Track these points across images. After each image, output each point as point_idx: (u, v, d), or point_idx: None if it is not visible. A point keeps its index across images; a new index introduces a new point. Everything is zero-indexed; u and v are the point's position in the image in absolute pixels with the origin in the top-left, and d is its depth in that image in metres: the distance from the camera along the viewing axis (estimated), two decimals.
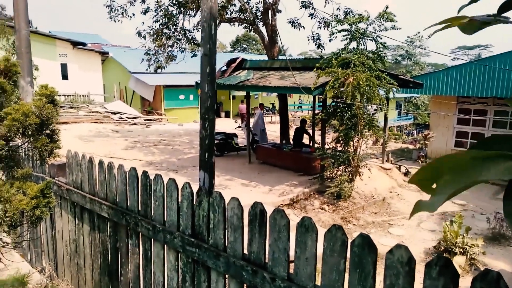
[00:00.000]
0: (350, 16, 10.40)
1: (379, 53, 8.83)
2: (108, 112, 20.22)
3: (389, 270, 1.46)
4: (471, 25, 0.85)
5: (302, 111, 29.59)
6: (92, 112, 19.78)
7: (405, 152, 17.27)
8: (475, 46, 54.26)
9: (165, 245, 2.53)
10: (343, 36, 8.75)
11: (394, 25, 8.53)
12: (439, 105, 14.43)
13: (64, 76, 22.93)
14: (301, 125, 12.17)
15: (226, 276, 2.16)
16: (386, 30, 8.48)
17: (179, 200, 2.42)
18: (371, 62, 8.38)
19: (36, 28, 22.92)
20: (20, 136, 2.38)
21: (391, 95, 9.92)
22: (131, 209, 2.80)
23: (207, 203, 2.23)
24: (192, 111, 24.28)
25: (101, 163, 3.06)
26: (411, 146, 19.48)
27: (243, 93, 22.94)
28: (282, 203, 8.95)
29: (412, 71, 43.15)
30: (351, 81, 8.10)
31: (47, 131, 2.45)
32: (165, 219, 2.54)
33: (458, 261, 6.75)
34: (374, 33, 8.42)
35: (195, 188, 2.29)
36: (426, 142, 14.06)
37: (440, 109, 14.40)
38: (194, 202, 2.33)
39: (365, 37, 8.49)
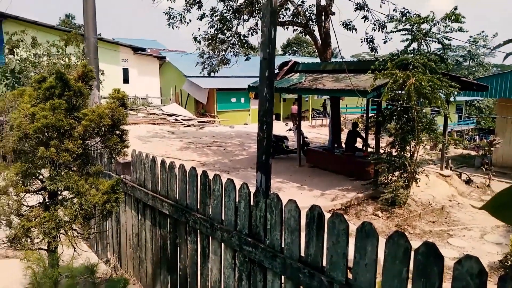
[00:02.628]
0: (408, 16, 9.98)
1: (442, 54, 8.38)
2: (165, 114, 21.16)
3: (457, 282, 1.40)
4: None
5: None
6: (150, 114, 20.82)
7: (466, 159, 16.22)
8: None
9: (222, 243, 2.62)
10: (402, 35, 8.41)
11: (461, 27, 8.06)
12: (507, 108, 13.38)
13: (126, 80, 24.36)
14: (353, 128, 11.90)
15: (282, 277, 2.19)
16: (451, 32, 8.02)
17: (237, 200, 2.49)
18: (433, 63, 7.98)
19: (100, 34, 24.62)
20: (94, 136, 2.59)
21: (451, 98, 9.39)
22: (190, 207, 2.93)
23: (264, 204, 2.27)
24: (243, 114, 24.69)
25: (163, 162, 3.23)
26: (473, 153, 18.23)
27: (294, 96, 22.91)
28: (333, 208, 8.81)
29: (475, 72, 40.42)
30: (413, 82, 7.76)
31: (117, 132, 2.65)
32: (223, 218, 2.62)
33: None
34: (438, 34, 8.00)
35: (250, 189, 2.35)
36: (492, 148, 13.09)
37: (507, 113, 13.35)
38: (251, 203, 2.38)
39: (427, 38, 8.10)
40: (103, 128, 2.50)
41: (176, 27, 12.70)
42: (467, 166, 14.72)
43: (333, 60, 12.09)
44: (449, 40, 8.51)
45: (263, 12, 2.78)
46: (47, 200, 2.52)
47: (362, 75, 9.17)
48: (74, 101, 2.57)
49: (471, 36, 40.01)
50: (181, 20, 12.43)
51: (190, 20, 12.71)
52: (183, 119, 21.06)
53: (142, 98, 24.18)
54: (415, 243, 7.08)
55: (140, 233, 3.62)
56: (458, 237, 8.26)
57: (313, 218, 1.97)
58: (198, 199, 2.84)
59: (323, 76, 10.23)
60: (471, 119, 33.29)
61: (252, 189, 2.45)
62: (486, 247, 7.73)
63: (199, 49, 13.00)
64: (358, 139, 11.77)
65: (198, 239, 2.88)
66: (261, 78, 3.01)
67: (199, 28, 13.03)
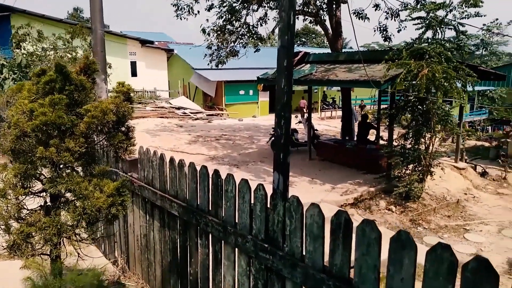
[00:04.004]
0: (426, 3, 9.58)
1: (458, 42, 8.03)
2: (173, 107, 21.02)
3: None
4: None
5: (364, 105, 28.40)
6: (158, 107, 20.69)
7: (480, 151, 15.84)
8: None
9: (236, 249, 2.43)
10: (416, 24, 8.07)
11: (478, 12, 7.68)
12: None
13: (133, 73, 24.24)
14: (363, 120, 11.61)
15: None
16: (468, 18, 7.66)
17: (252, 202, 2.29)
18: (449, 52, 7.64)
19: (108, 27, 24.48)
20: (98, 133, 2.41)
21: (469, 88, 9.04)
22: (201, 209, 2.74)
23: (282, 208, 2.07)
24: (251, 107, 24.44)
25: (172, 160, 3.04)
26: (486, 144, 17.80)
27: (303, 88, 22.58)
28: (345, 202, 8.60)
29: (488, 61, 39.45)
30: (426, 73, 7.45)
31: (123, 128, 2.46)
32: (237, 221, 2.43)
33: None
34: (454, 20, 7.65)
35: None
36: (508, 140, 12.70)
37: None
38: (268, 206, 2.19)
39: (443, 26, 7.75)
40: (107, 125, 2.31)
41: (184, 18, 12.46)
42: (481, 158, 14.35)
43: (344, 50, 11.77)
44: (463, 26, 8.14)
45: None
46: (48, 203, 2.35)
47: (376, 65, 8.86)
48: (76, 96, 2.38)
49: (484, 24, 38.99)
50: (189, 11, 12.19)
51: (199, 11, 12.46)
52: (191, 112, 20.91)
53: (150, 91, 24.06)
54: (431, 239, 6.79)
55: (149, 234, 3.46)
56: (475, 232, 8.00)
57: (339, 225, 1.76)
58: (210, 200, 2.65)
59: (335, 67, 9.93)
60: (484, 109, 32.57)
61: (267, 186, 2.25)
62: (505, 243, 7.47)
63: (208, 40, 12.76)
64: (371, 131, 11.49)
65: (210, 243, 2.70)
66: (279, 68, 2.79)
67: (208, 20, 12.78)
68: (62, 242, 2.32)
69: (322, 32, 13.61)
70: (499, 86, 14.37)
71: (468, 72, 7.91)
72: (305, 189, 9.04)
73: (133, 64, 24.35)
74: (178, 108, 21.02)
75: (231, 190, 2.43)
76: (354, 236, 1.72)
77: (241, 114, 23.08)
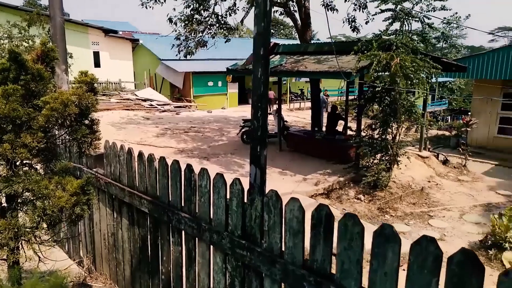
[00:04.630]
0: None
1: (424, 35, 8.23)
2: (139, 99, 20.40)
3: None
4: None
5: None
6: (124, 99, 20.01)
7: (441, 140, 16.48)
8: None
9: (211, 246, 2.33)
10: (386, 17, 8.19)
11: (444, 5, 7.89)
12: (482, 89, 13.56)
13: (97, 64, 23.27)
14: (332, 111, 11.73)
15: (283, 285, 1.93)
16: (434, 11, 7.86)
17: (228, 197, 2.20)
18: (415, 43, 7.82)
19: (68, 15, 23.30)
20: (59, 126, 2.21)
21: (433, 79, 9.32)
22: (173, 205, 2.61)
23: (260, 203, 1.99)
24: (220, 98, 24.16)
25: (140, 155, 2.88)
26: (447, 133, 18.56)
27: (272, 79, 22.56)
28: (316, 193, 8.69)
29: (448, 54, 41.03)
30: (397, 62, 7.57)
31: (86, 121, 2.28)
32: (212, 218, 2.33)
33: (508, 256, 6.30)
34: (421, 12, 7.82)
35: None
36: (468, 129, 13.27)
37: (483, 93, 13.53)
38: (245, 201, 2.10)
39: (410, 18, 7.91)
40: (68, 118, 2.12)
41: (150, 7, 12.01)
42: (443, 146, 14.94)
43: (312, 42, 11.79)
44: (430, 19, 8.37)
45: None
46: (3, 204, 2.15)
47: (345, 56, 8.93)
48: (33, 87, 2.17)
49: (444, 18, 40.47)
50: None
51: (165, 0, 12.04)
52: (158, 104, 20.39)
53: (115, 83, 23.20)
54: (398, 226, 6.95)
55: (117, 232, 3.28)
56: (438, 218, 8.31)
57: (320, 219, 1.70)
58: (182, 196, 2.53)
59: (304, 58, 9.92)
60: (444, 100, 33.98)
61: (241, 179, 2.15)
62: (466, 227, 7.80)
63: (175, 30, 12.38)
64: (339, 122, 11.64)
65: (183, 240, 2.58)
66: (255, 56, 2.67)
67: (174, 9, 12.38)
68: (21, 245, 2.13)
69: (290, 24, 13.57)
70: (464, 77, 15.07)
71: (433, 64, 8.14)
72: (276, 180, 9.03)
73: (96, 55, 23.37)
74: (145, 100, 20.43)
75: (205, 185, 2.32)
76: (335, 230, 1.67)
77: (210, 106, 22.77)
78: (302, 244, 1.82)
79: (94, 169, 3.42)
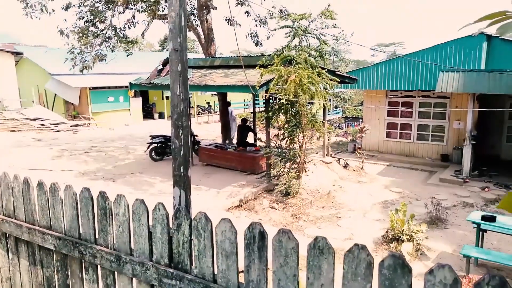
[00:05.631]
0: (289, 13, 10.41)
1: (320, 50, 8.93)
2: (27, 119, 18.22)
3: None
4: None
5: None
6: (8, 119, 17.66)
7: (340, 145, 17.95)
8: (390, 43, 58.31)
9: (134, 279, 2.13)
10: (286, 34, 8.69)
11: (335, 24, 8.68)
12: (371, 98, 15.19)
13: None
14: (243, 123, 11.97)
15: None
16: (327, 28, 8.59)
17: (151, 224, 2.03)
18: (313, 59, 8.43)
19: None
20: None
21: (330, 91, 10.13)
22: (85, 238, 2.33)
23: (188, 227, 1.88)
24: (123, 114, 22.85)
25: (40, 184, 2.52)
26: (344, 139, 20.32)
27: None
28: (232, 205, 8.69)
29: (339, 67, 45.21)
30: (294, 79, 8.07)
31: None
32: (133, 248, 2.13)
33: (406, 248, 7.02)
34: (316, 30, 8.48)
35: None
36: (363, 134, 14.71)
37: (372, 102, 15.17)
38: (171, 226, 1.97)
39: (307, 34, 8.52)
40: None
41: (36, 17, 10.86)
42: (342, 151, 16.30)
43: (218, 55, 11.92)
44: (325, 36, 9.13)
45: None
46: None
47: (251, 70, 9.21)
48: None
49: (333, 34, 44.50)
50: (41, 9, 10.65)
51: (53, 10, 11.00)
52: (51, 124, 18.45)
53: None
54: (311, 230, 7.32)
55: (14, 276, 2.81)
56: (345, 218, 8.95)
57: (253, 238, 1.67)
58: (96, 227, 2.27)
59: (211, 72, 9.96)
60: (338, 108, 37.27)
61: (152, 199, 2.01)
62: (369, 224, 8.54)
63: (68, 44, 11.37)
64: (249, 134, 11.89)
65: (100, 276, 2.31)
66: (172, 73, 2.54)
67: (66, 20, 11.39)
68: None
69: (192, 38, 13.54)
70: (355, 88, 16.83)
71: (329, 77, 8.86)
72: (191, 196, 8.80)
73: None
74: (34, 120, 18.33)
75: (124, 213, 2.12)
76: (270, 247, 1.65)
77: (111, 123, 21.37)
78: (236, 266, 1.76)
79: None
